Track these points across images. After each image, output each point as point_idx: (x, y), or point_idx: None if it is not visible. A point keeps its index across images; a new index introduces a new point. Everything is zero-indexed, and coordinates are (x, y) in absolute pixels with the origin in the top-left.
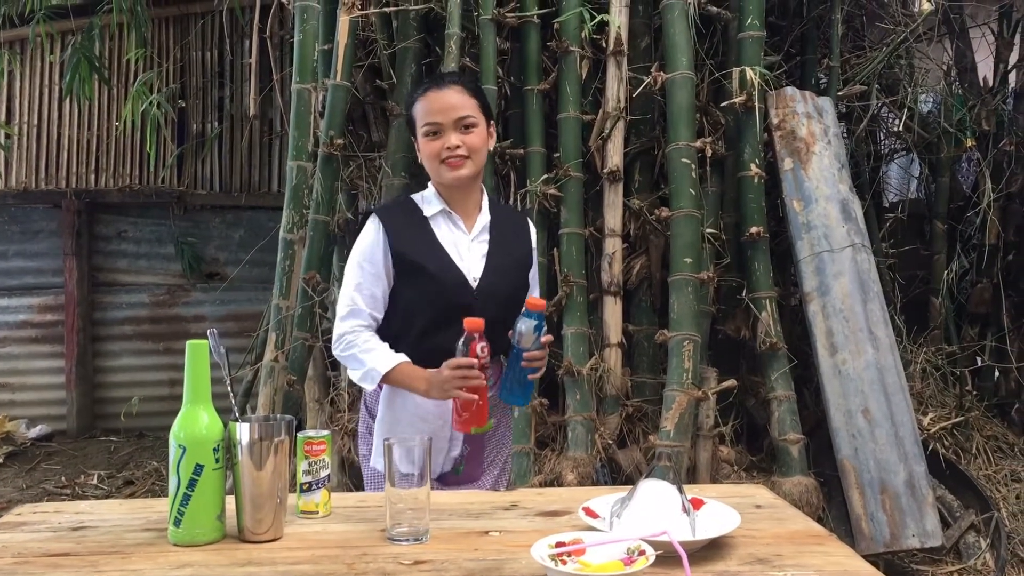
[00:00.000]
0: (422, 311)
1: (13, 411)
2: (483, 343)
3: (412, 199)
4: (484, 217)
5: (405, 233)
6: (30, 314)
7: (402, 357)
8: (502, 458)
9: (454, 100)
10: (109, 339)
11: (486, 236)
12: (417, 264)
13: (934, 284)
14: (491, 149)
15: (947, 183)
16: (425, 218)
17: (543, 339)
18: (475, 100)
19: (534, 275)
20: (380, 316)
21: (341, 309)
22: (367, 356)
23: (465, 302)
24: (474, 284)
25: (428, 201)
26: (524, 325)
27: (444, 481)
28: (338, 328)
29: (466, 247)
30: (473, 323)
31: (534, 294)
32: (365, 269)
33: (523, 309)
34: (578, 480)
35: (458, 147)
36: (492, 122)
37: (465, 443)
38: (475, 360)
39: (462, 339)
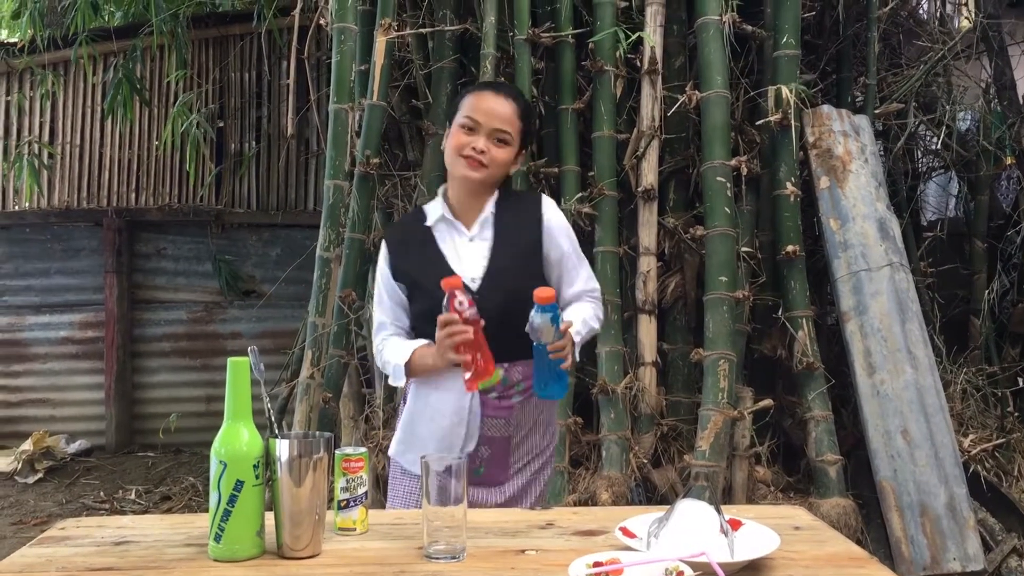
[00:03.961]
0: (430, 320)
1: (53, 426)
2: (462, 297)
3: (422, 209)
4: (485, 214)
5: (405, 248)
6: (71, 331)
7: (415, 344)
8: (534, 467)
9: (502, 110)
10: (148, 355)
11: (488, 233)
12: (414, 279)
13: (974, 304)
14: (511, 172)
15: (986, 201)
16: (427, 228)
17: (562, 327)
18: (520, 123)
19: (566, 255)
20: (406, 323)
21: (374, 327)
22: (390, 356)
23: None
24: (475, 285)
25: (432, 209)
26: (539, 319)
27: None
28: (372, 347)
29: (465, 248)
30: (449, 282)
31: (575, 277)
32: (381, 286)
33: (534, 304)
34: (613, 499)
35: (483, 152)
36: (525, 150)
37: (484, 444)
38: (455, 315)
39: (444, 300)
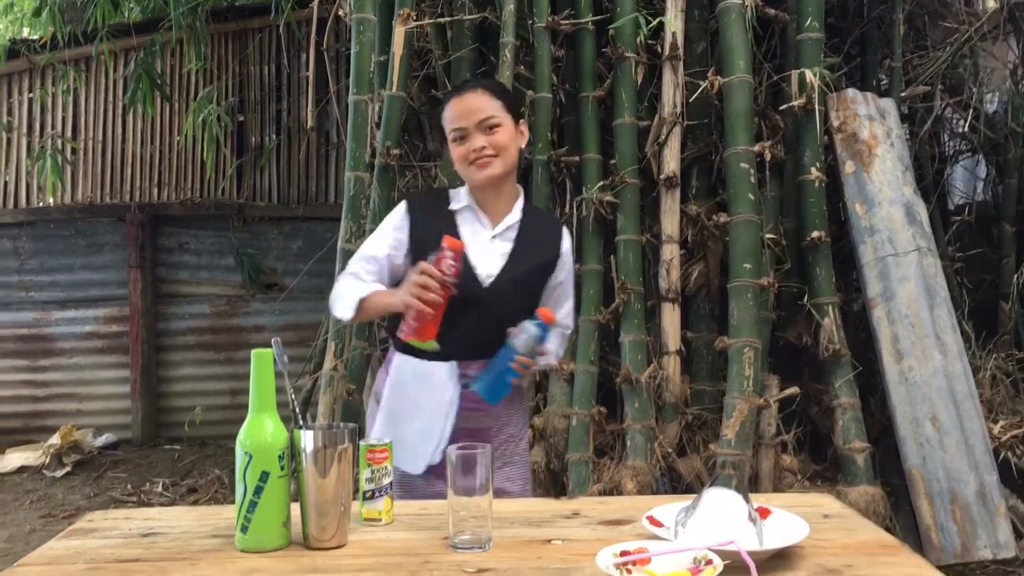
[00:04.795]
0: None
1: (80, 420)
2: (452, 262)
3: (447, 192)
4: (513, 217)
5: (429, 222)
6: (96, 325)
7: (376, 287)
8: (511, 451)
9: (476, 103)
10: (172, 349)
11: (512, 236)
12: (431, 252)
13: (1003, 288)
14: (523, 148)
15: (1015, 184)
16: (452, 211)
17: (539, 350)
18: (499, 101)
19: (564, 285)
20: (378, 287)
21: (347, 268)
22: (348, 291)
23: (475, 298)
24: (487, 281)
25: (458, 196)
26: (531, 330)
27: (439, 474)
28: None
29: (486, 243)
30: (452, 242)
31: (561, 306)
32: (383, 241)
33: (535, 317)
34: (638, 489)
35: (484, 148)
36: (522, 120)
37: (465, 437)
38: (439, 273)
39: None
